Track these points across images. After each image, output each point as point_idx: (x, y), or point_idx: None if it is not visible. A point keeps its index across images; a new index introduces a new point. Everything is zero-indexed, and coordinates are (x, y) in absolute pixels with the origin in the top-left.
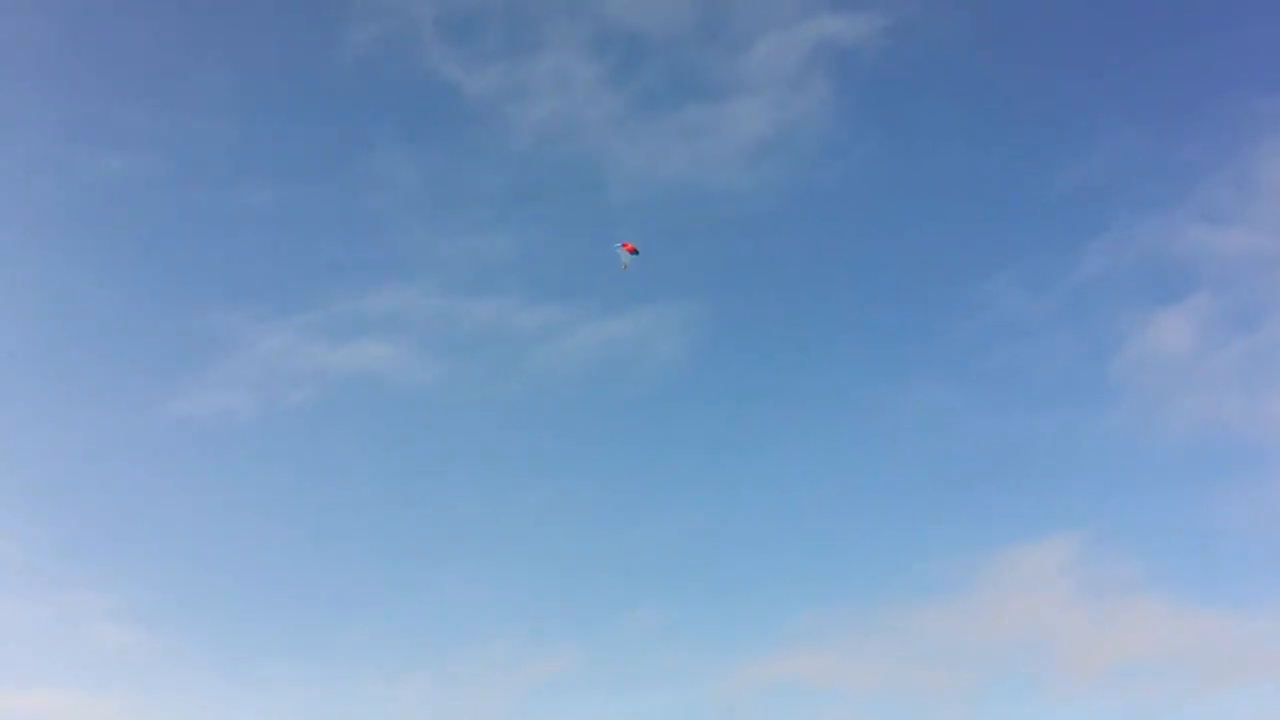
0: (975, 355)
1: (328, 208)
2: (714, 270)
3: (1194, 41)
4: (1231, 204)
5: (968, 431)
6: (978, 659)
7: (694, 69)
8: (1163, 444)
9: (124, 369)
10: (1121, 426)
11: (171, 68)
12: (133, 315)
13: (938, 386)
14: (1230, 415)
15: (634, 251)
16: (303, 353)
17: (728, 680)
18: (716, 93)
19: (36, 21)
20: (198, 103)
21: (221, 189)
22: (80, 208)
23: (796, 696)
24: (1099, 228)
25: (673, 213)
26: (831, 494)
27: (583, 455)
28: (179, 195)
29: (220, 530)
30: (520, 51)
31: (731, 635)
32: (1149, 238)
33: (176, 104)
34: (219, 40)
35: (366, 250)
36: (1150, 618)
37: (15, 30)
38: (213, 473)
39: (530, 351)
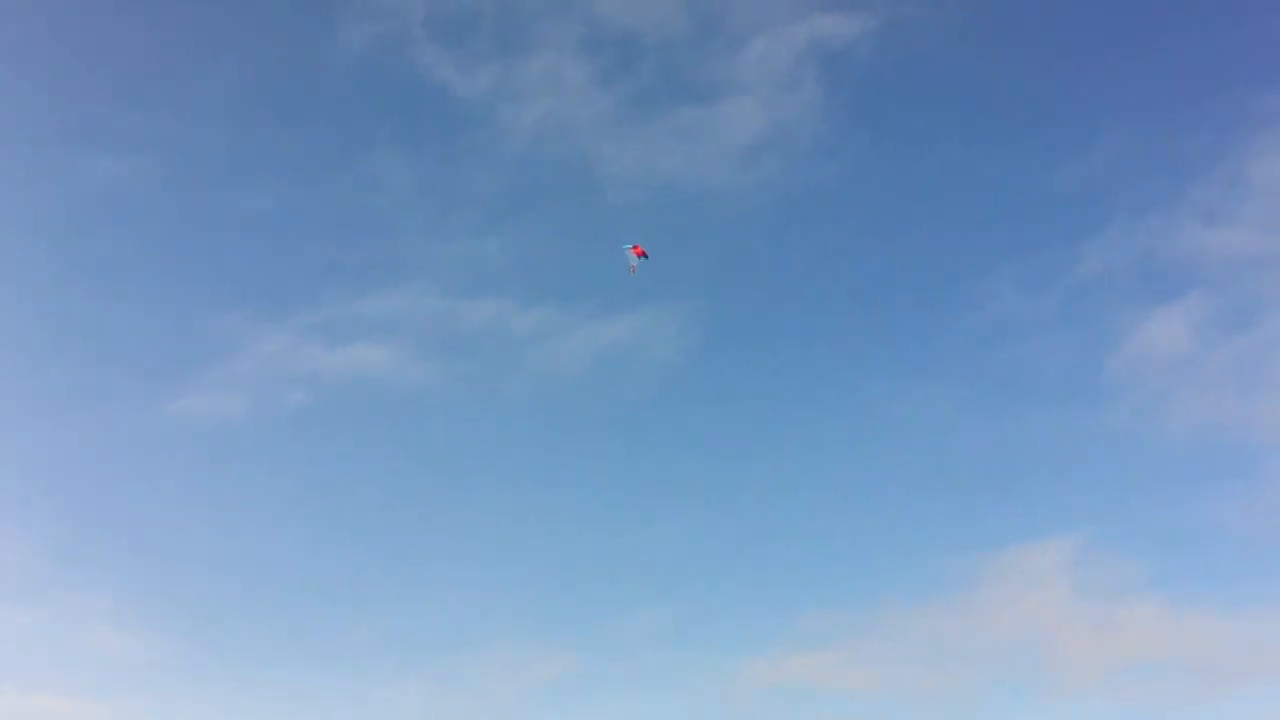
0: (973, 355)
1: (323, 210)
2: (710, 271)
3: (1189, 41)
4: (1227, 203)
5: (966, 432)
6: (978, 659)
7: (687, 69)
8: (1160, 444)
9: (121, 371)
10: (1119, 426)
11: (167, 71)
12: (129, 318)
13: (935, 386)
14: (1227, 415)
15: (643, 255)
16: (299, 355)
17: (729, 682)
18: (710, 93)
19: (33, 25)
20: (193, 106)
21: (217, 192)
22: (76, 210)
23: (798, 698)
24: (1096, 227)
25: (667, 213)
26: (830, 495)
27: (581, 457)
28: (174, 198)
29: (218, 533)
30: (512, 52)
31: (732, 637)
32: (1145, 237)
33: (172, 107)
34: (213, 44)
35: (362, 253)
36: (1149, 618)
37: (11, 33)
38: (210, 475)
39: (527, 353)
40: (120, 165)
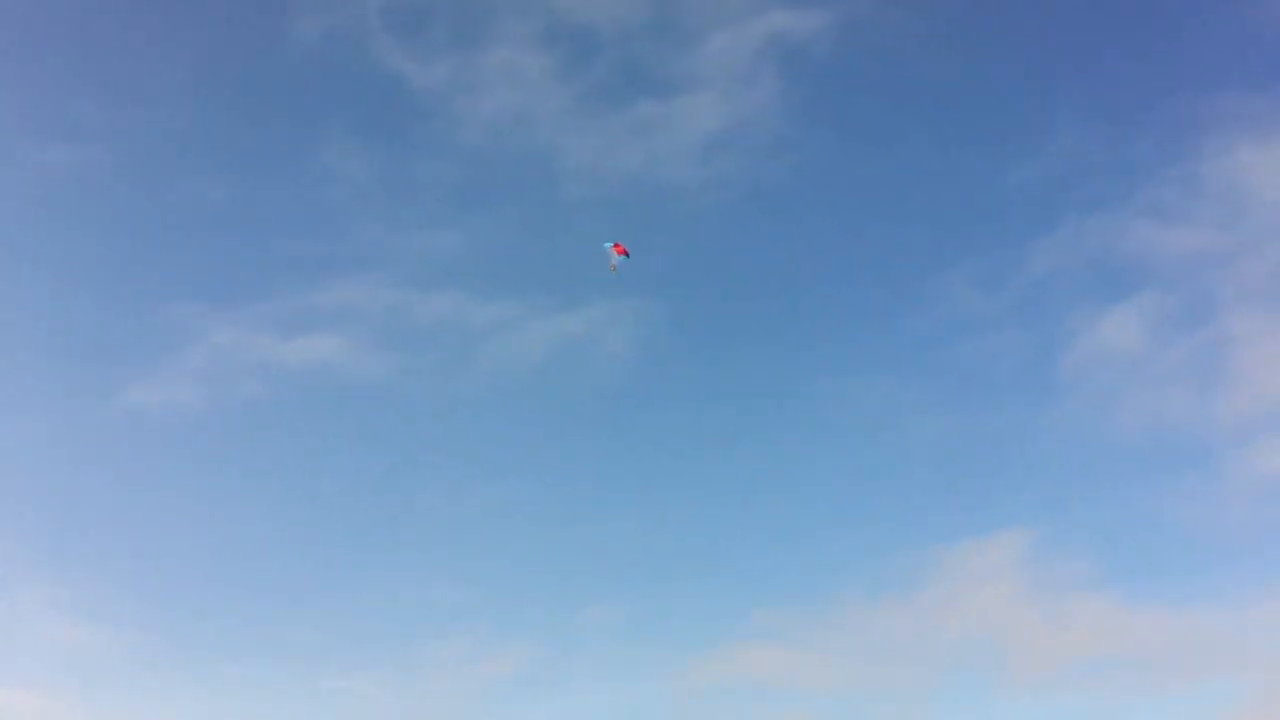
0: (927, 351)
1: (278, 201)
2: (667, 266)
3: (1142, 42)
4: (1180, 203)
5: (919, 428)
6: (931, 655)
7: (646, 64)
8: (1112, 441)
9: (73, 362)
10: (1071, 423)
11: (119, 61)
12: (81, 308)
13: (888, 383)
14: (1178, 412)
15: (624, 253)
16: (254, 346)
17: (683, 677)
18: (668, 87)
19: None
20: (146, 96)
21: (170, 182)
22: (27, 200)
23: (751, 693)
24: (1049, 225)
25: (625, 208)
26: (784, 490)
27: (536, 451)
28: (126, 188)
29: (172, 525)
30: (469, 44)
31: (687, 632)
32: (1098, 236)
33: (125, 97)
34: (167, 33)
35: (317, 244)
36: (1100, 614)
37: None
38: (164, 467)
39: (483, 346)
40: (71, 155)
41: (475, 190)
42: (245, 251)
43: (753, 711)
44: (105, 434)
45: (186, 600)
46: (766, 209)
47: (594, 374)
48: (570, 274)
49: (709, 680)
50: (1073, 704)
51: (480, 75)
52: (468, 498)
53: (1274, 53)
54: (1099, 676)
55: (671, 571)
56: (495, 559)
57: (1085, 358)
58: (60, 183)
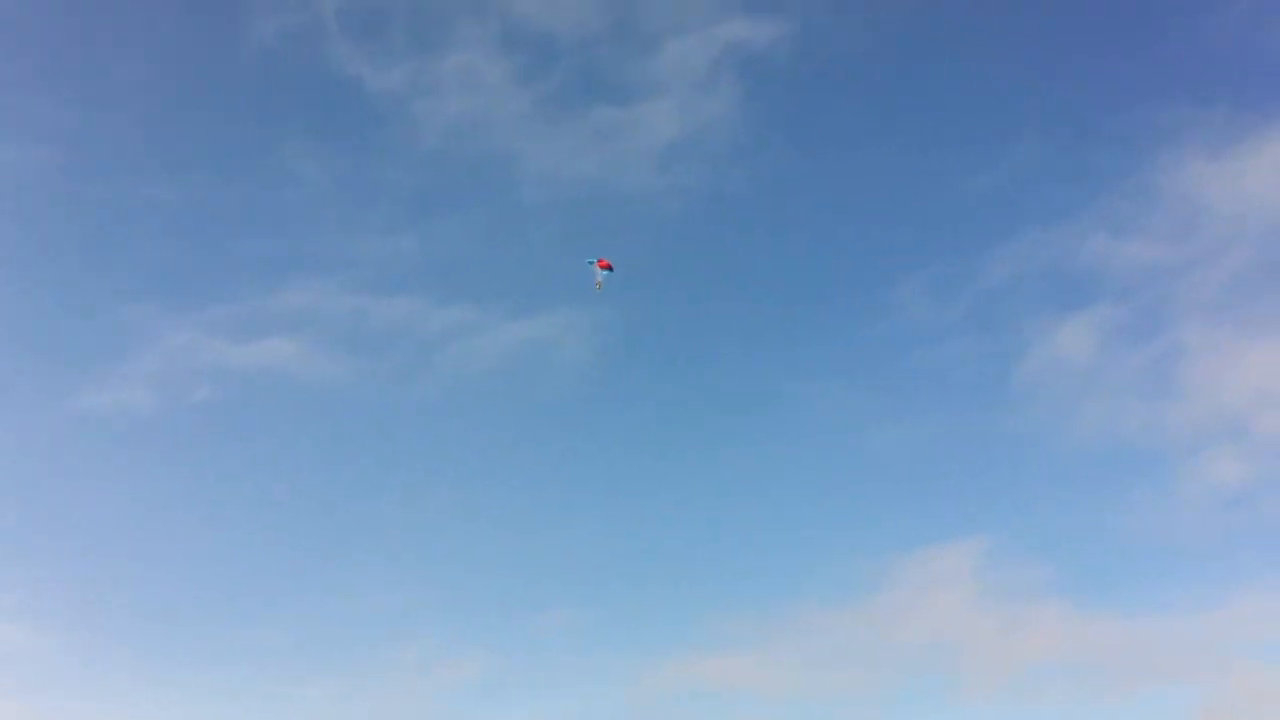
0: (883, 360)
1: (234, 203)
2: (624, 272)
3: (1099, 55)
4: (1135, 214)
5: (876, 436)
6: (886, 662)
7: (604, 70)
8: (1066, 450)
9: (23, 364)
10: (1026, 432)
11: (74, 61)
12: (33, 310)
13: (845, 391)
14: (1131, 422)
15: (608, 268)
16: (207, 349)
17: (639, 683)
18: (627, 94)
19: None
20: (101, 96)
21: (124, 183)
22: None
23: (707, 699)
24: (1004, 236)
25: (583, 214)
26: (741, 497)
27: (494, 457)
28: (80, 188)
29: (122, 530)
30: (428, 49)
31: (642, 638)
32: (1054, 247)
33: (79, 97)
34: (122, 34)
35: (274, 247)
36: (1054, 621)
37: None
38: (115, 471)
39: (439, 351)
40: (25, 155)
41: (434, 195)
42: (200, 254)
43: (709, 717)
44: (57, 438)
45: (139, 606)
46: (725, 216)
47: (553, 380)
48: (529, 280)
49: (666, 686)
50: (1027, 710)
51: (439, 79)
52: (425, 503)
53: (1227, 67)
54: (1053, 682)
55: (629, 578)
56: (453, 565)
57: (1040, 367)
58: (12, 182)
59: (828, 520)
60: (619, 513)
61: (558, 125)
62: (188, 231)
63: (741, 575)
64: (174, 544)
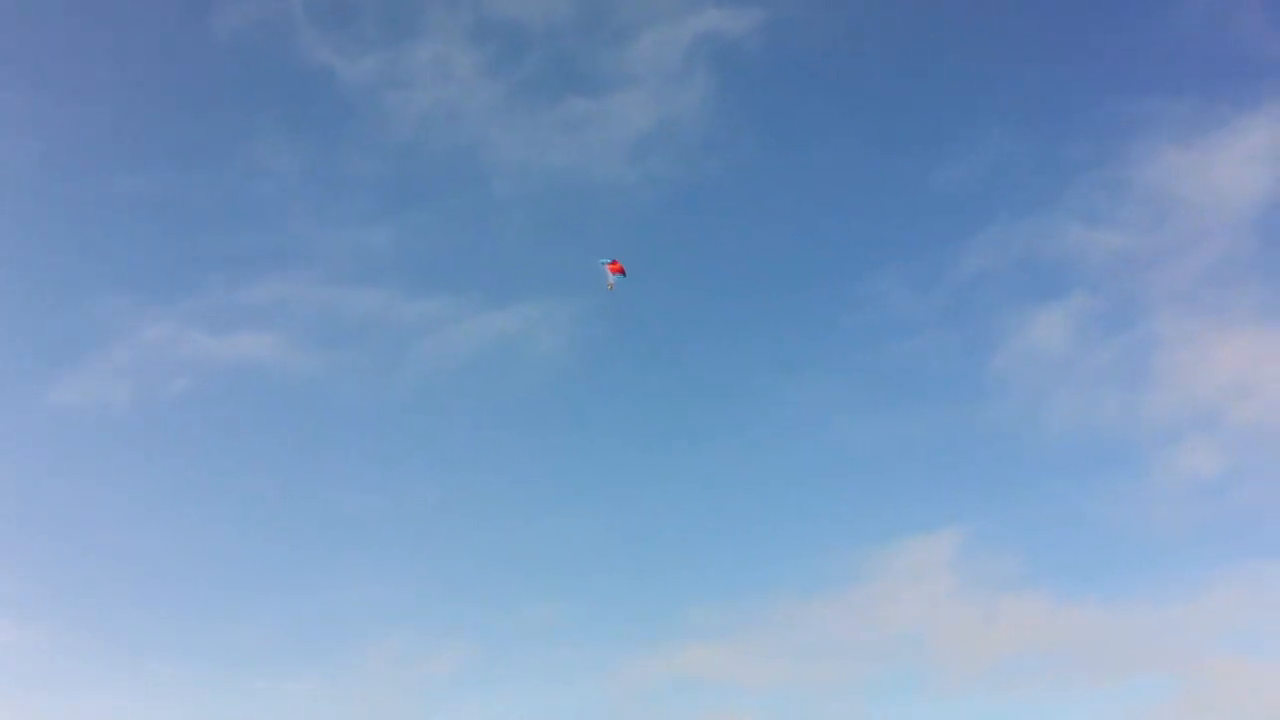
0: (860, 351)
1: (205, 196)
2: (597, 264)
3: (1072, 45)
4: (1107, 205)
5: (852, 427)
6: (865, 652)
7: (576, 60)
8: (1041, 440)
9: None
10: (1001, 423)
11: (43, 53)
12: (7, 304)
13: (822, 383)
14: (1106, 412)
15: (621, 271)
16: (182, 343)
17: (621, 675)
18: (599, 85)
19: None
20: (71, 89)
21: (95, 176)
22: None
23: (688, 690)
24: (978, 227)
25: (556, 206)
26: (718, 489)
27: (469, 449)
28: (52, 181)
29: (98, 524)
30: (398, 39)
31: (624, 630)
32: (1027, 237)
33: (49, 90)
34: (91, 25)
35: (245, 239)
36: (1031, 611)
37: None
38: (90, 465)
39: (413, 343)
40: None
41: (405, 186)
42: (174, 247)
43: (689, 708)
44: (30, 432)
45: (114, 599)
46: (698, 207)
47: (526, 372)
48: (503, 271)
49: (647, 676)
50: (1004, 699)
51: (410, 70)
52: (403, 496)
53: (1198, 58)
54: (1030, 671)
55: (608, 569)
56: (429, 558)
57: (1015, 358)
58: None
59: (806, 511)
60: (597, 505)
61: (530, 116)
62: (161, 225)
63: (720, 567)
64: (151, 538)
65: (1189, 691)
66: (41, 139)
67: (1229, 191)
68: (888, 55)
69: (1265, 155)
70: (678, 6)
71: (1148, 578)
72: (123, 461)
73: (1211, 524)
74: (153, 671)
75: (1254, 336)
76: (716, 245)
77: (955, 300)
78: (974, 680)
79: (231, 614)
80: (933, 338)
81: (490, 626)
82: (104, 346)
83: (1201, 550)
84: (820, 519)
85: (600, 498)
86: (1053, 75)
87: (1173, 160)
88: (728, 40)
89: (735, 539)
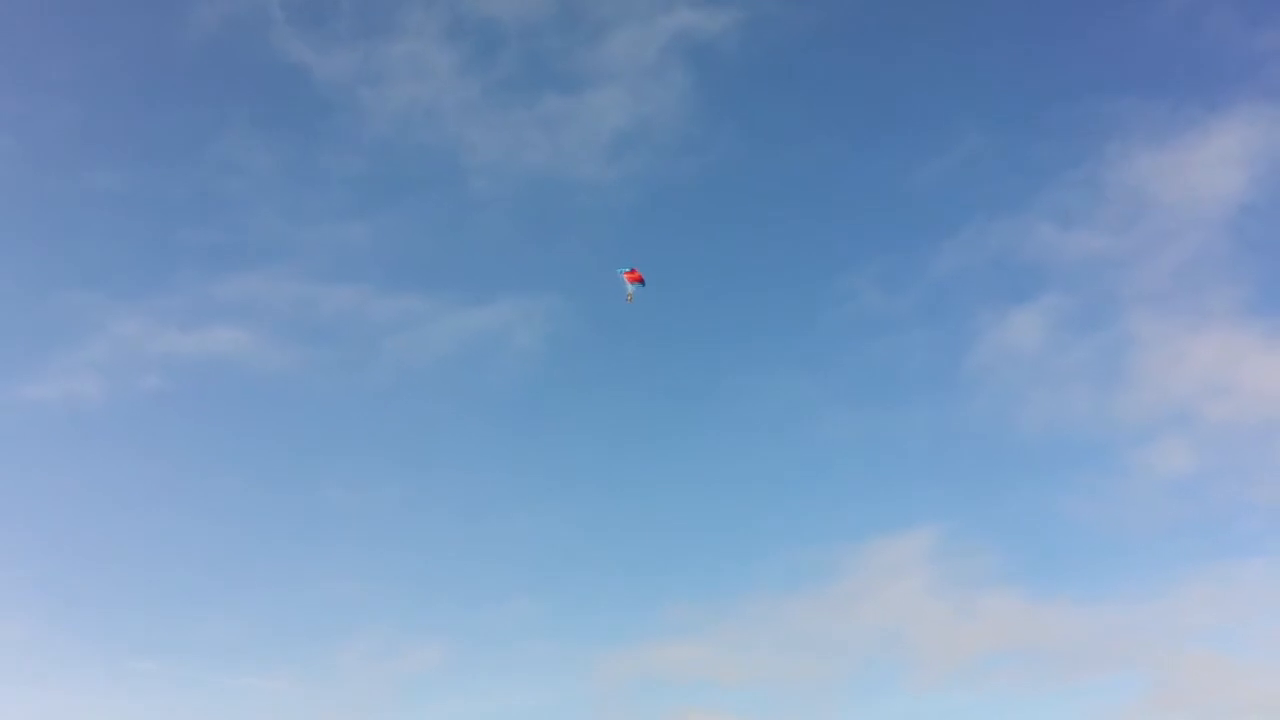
0: (836, 350)
1: (179, 191)
2: (574, 262)
3: (1045, 44)
4: (1082, 206)
5: (828, 425)
6: (840, 649)
7: (552, 58)
8: (1016, 439)
9: None
10: (976, 421)
11: (16, 48)
12: None
13: (800, 380)
14: (1080, 411)
15: (640, 281)
16: (155, 338)
17: (598, 672)
18: (575, 83)
19: None
20: (44, 83)
21: (68, 171)
22: None
23: (663, 687)
24: (953, 226)
25: (532, 203)
26: (694, 486)
27: (444, 446)
28: (24, 176)
29: (70, 520)
30: (374, 36)
31: (601, 627)
32: (1002, 237)
33: (22, 84)
34: (64, 20)
35: (220, 235)
36: (1006, 609)
37: None
38: (62, 460)
39: (388, 340)
40: None
41: (380, 183)
42: (147, 242)
43: (667, 705)
44: (4, 427)
45: (87, 595)
46: (675, 205)
47: (502, 370)
48: (478, 268)
49: (622, 674)
50: (980, 697)
51: (385, 67)
52: (375, 493)
53: (1173, 59)
54: (1005, 669)
55: (584, 566)
56: (404, 555)
57: (989, 357)
58: None
59: (782, 509)
60: (574, 502)
61: (506, 113)
62: (134, 220)
63: (697, 564)
64: (124, 534)
65: (1163, 687)
66: (14, 134)
67: (1203, 192)
68: (864, 54)
69: (1239, 156)
70: (654, 4)
71: (1122, 575)
72: (95, 457)
73: (1186, 522)
74: (127, 668)
75: (1227, 336)
76: (692, 243)
77: (931, 299)
78: (950, 676)
79: (206, 610)
80: (908, 336)
81: (467, 623)
82: (77, 341)
83: (1176, 548)
84: (795, 517)
85: (577, 495)
86: (1028, 76)
87: (1147, 161)
88: (704, 38)
89: (712, 536)
